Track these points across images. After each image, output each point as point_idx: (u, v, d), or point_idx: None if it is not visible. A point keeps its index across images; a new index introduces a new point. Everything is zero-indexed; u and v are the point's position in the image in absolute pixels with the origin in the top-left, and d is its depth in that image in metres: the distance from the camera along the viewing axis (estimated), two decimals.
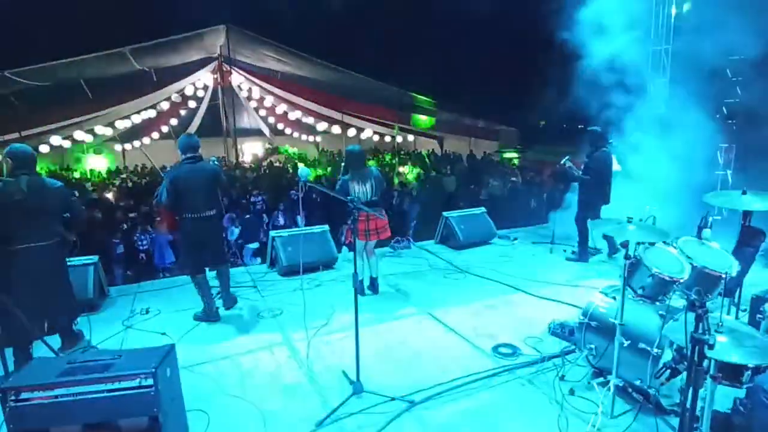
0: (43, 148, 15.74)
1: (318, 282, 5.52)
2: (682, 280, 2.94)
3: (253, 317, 4.58)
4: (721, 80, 6.40)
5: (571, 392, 3.13)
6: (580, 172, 5.70)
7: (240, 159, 19.74)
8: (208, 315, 4.45)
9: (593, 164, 5.60)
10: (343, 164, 4.98)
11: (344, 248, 6.96)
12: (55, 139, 15.02)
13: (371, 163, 14.80)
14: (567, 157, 5.84)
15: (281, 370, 3.58)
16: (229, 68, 16.64)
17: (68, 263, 4.02)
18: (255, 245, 8.56)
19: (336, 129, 19.58)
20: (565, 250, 6.40)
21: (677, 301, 3.18)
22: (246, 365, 3.65)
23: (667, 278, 2.95)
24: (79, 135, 15.71)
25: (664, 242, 3.12)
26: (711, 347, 1.90)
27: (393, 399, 3.10)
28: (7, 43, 12.44)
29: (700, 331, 1.90)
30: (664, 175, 5.59)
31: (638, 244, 2.91)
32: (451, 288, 5.30)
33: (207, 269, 4.55)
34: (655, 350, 2.75)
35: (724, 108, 6.66)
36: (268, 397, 3.20)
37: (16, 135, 14.20)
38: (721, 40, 5.63)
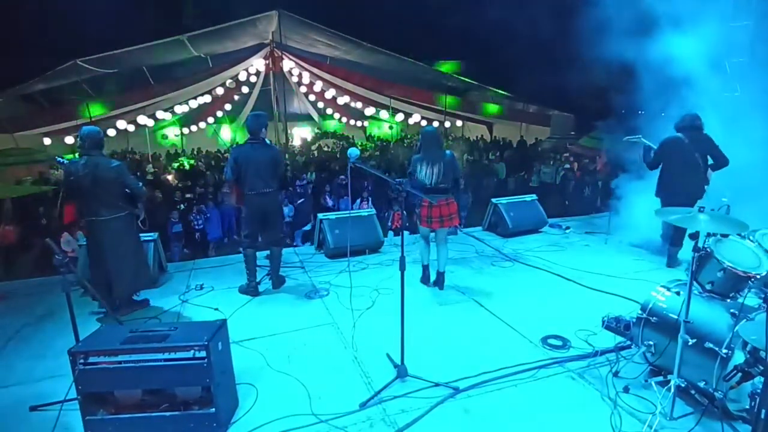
0: (110, 132, 16.81)
1: (364, 265, 5.55)
2: (759, 276, 2.69)
3: (300, 297, 4.68)
4: None
5: (626, 390, 2.97)
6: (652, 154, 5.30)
7: (289, 143, 20.18)
8: (247, 289, 4.72)
9: (659, 150, 5.20)
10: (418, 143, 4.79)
11: (390, 233, 6.96)
12: (121, 123, 15.98)
13: None
14: (638, 136, 5.43)
15: (326, 350, 3.64)
16: (280, 54, 16.91)
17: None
18: (308, 227, 8.78)
19: (384, 114, 19.53)
20: (621, 241, 6.08)
21: (751, 299, 2.91)
22: (293, 343, 3.74)
23: (742, 273, 2.71)
24: (141, 119, 16.63)
25: (740, 234, 2.85)
26: None
27: (437, 384, 3.07)
28: (78, 34, 13.28)
29: None
30: (742, 163, 5.11)
31: (709, 235, 2.67)
32: (499, 276, 5.17)
33: (260, 248, 4.76)
34: (724, 351, 2.53)
35: None
36: (313, 375, 3.26)
37: (87, 120, 15.25)
38: None
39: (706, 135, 5.02)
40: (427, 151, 4.50)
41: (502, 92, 18.48)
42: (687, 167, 4.99)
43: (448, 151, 4.58)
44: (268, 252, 4.92)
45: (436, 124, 20.80)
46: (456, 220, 4.65)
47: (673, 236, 5.16)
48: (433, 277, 4.84)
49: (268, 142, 4.66)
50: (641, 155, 5.43)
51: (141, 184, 4.38)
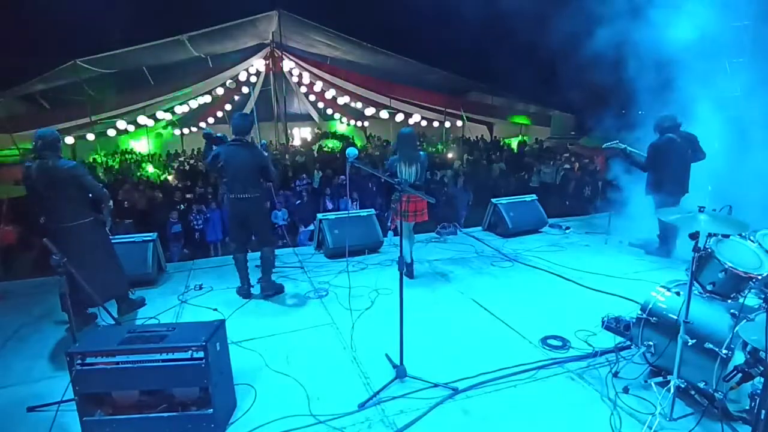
0: (110, 132, 16.79)
1: (363, 265, 5.54)
2: (760, 277, 2.67)
3: (299, 298, 4.67)
4: None
5: (626, 390, 2.96)
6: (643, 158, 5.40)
7: (290, 143, 20.19)
8: (239, 291, 4.70)
9: (650, 151, 5.31)
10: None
11: (390, 233, 6.96)
12: (121, 123, 15.97)
13: None
14: (616, 141, 5.55)
15: (325, 351, 3.62)
16: (280, 54, 16.91)
17: (112, 240, 4.24)
18: (311, 228, 8.77)
19: (384, 114, 19.53)
20: (621, 241, 6.07)
21: (751, 299, 2.90)
22: (291, 344, 3.73)
23: (742, 274, 2.69)
24: (141, 120, 16.62)
25: (741, 235, 2.84)
26: None
27: (436, 385, 3.06)
28: (77, 34, 13.27)
29: None
30: (742, 164, 5.13)
31: (710, 236, 2.66)
32: (499, 276, 5.16)
33: (250, 250, 4.70)
34: (725, 351, 2.52)
35: None
36: (312, 375, 3.25)
37: (86, 120, 15.25)
38: None
39: (689, 132, 5.24)
40: (403, 151, 4.73)
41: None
42: (683, 164, 5.19)
43: (422, 152, 4.86)
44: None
45: (436, 124, 20.82)
46: (425, 215, 4.88)
47: None
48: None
49: (264, 143, 4.61)
50: (627, 160, 5.54)
51: (102, 186, 4.10)
